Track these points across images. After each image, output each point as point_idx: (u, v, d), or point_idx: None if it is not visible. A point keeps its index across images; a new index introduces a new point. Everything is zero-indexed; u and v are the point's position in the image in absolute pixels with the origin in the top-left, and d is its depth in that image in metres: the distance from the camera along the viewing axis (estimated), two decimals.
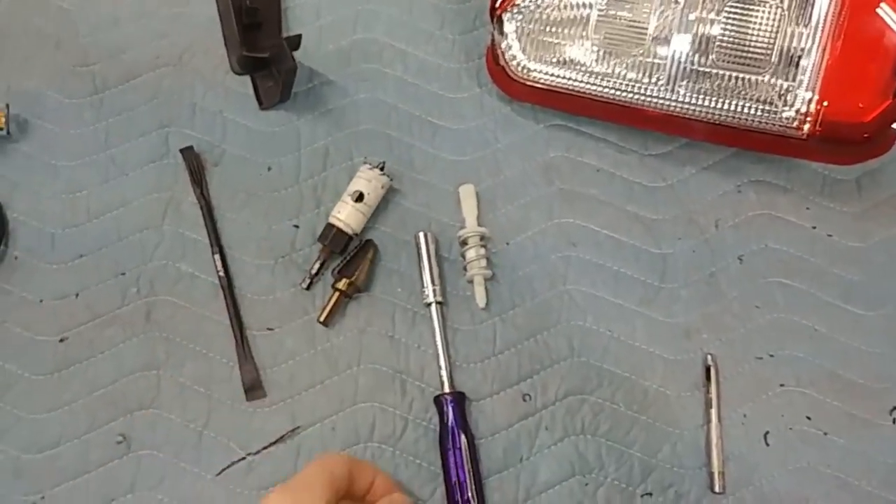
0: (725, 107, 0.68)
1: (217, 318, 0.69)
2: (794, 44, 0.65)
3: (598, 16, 0.69)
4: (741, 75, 0.67)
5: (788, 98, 0.66)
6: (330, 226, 0.70)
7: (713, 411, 0.66)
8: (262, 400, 0.67)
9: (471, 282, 0.70)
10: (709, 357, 0.68)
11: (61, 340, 0.68)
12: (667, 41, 0.68)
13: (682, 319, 0.70)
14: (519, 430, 0.67)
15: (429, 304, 0.69)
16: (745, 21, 0.66)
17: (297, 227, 0.72)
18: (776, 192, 0.73)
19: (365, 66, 0.77)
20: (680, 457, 0.66)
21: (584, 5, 0.69)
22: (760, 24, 0.66)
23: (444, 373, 0.67)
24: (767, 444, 0.66)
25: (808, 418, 0.67)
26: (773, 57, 0.66)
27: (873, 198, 0.72)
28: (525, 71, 0.72)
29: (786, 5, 0.65)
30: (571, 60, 0.71)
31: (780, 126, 0.67)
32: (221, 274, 0.70)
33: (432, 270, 0.69)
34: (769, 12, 0.65)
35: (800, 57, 0.65)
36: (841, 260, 0.71)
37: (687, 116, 0.69)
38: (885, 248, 0.71)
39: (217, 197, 0.73)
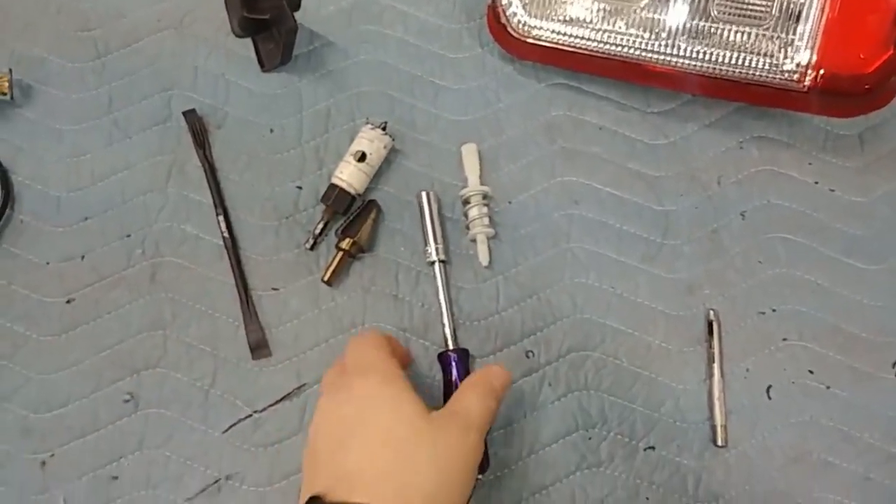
0: (726, 60, 0.67)
1: (222, 279, 0.70)
2: None
3: None
4: (742, 29, 0.67)
5: (789, 51, 0.66)
6: (333, 186, 0.70)
7: (715, 366, 0.67)
8: (268, 358, 0.68)
9: (473, 240, 0.71)
10: (711, 312, 0.68)
11: (68, 302, 0.69)
12: None
13: (684, 275, 0.70)
14: (522, 386, 0.68)
15: (432, 263, 0.69)
16: None
17: (300, 188, 0.72)
18: (778, 148, 0.73)
19: (366, 27, 0.77)
20: (682, 411, 0.66)
21: None
22: None
23: (447, 330, 0.67)
24: (770, 398, 0.67)
25: (811, 372, 0.67)
26: (774, 10, 0.66)
27: (876, 152, 0.72)
28: (526, 29, 0.72)
29: None
30: (573, 17, 0.71)
31: (782, 79, 0.67)
32: (226, 235, 0.70)
33: (435, 229, 0.70)
34: None
35: (801, 9, 0.65)
36: (843, 215, 0.71)
37: (688, 71, 0.69)
38: (888, 203, 0.71)
39: (220, 159, 0.73)
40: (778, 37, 0.66)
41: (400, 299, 0.69)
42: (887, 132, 0.73)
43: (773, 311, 0.69)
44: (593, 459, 0.65)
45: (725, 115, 0.74)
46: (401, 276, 0.70)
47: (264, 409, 0.67)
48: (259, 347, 0.68)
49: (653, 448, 0.66)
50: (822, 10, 0.65)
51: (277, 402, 0.67)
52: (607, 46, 0.70)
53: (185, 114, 0.73)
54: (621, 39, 0.70)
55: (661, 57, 0.69)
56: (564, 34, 0.71)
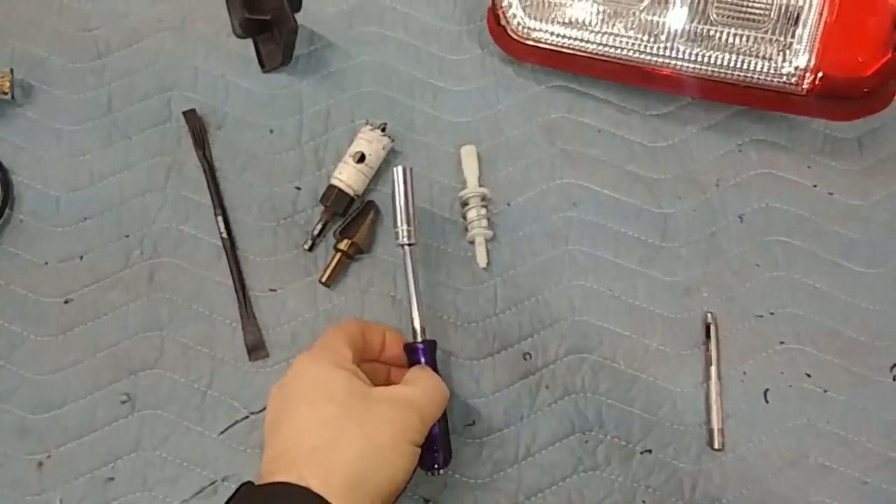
0: (725, 63, 0.67)
1: (220, 280, 0.70)
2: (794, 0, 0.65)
3: None
4: (741, 32, 0.67)
5: (788, 54, 0.66)
6: (331, 187, 0.70)
7: (713, 369, 0.67)
8: (265, 360, 0.68)
9: (472, 242, 0.71)
10: (709, 315, 0.68)
11: (66, 302, 0.69)
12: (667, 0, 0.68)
13: (682, 278, 0.70)
14: (520, 388, 0.67)
15: (401, 246, 0.63)
16: None
17: (298, 188, 0.72)
18: (777, 151, 0.73)
19: (366, 28, 0.77)
20: (680, 414, 0.66)
21: None
22: None
23: (416, 322, 0.62)
24: (767, 402, 0.67)
25: (808, 375, 0.67)
26: (773, 13, 0.66)
27: (875, 155, 0.72)
28: (526, 31, 0.72)
29: None
30: (572, 19, 0.71)
31: (780, 82, 0.67)
32: (224, 236, 0.70)
33: (408, 208, 0.63)
34: None
35: (799, 12, 0.65)
36: (842, 218, 0.71)
37: (687, 74, 0.69)
38: (886, 206, 0.71)
39: (219, 159, 0.73)
40: (777, 40, 0.66)
41: (398, 301, 0.69)
42: (886, 136, 0.72)
43: (771, 314, 0.69)
44: (590, 462, 0.65)
45: (724, 118, 0.73)
46: (398, 278, 0.70)
47: (261, 411, 0.66)
48: (256, 348, 0.68)
49: (650, 451, 0.66)
50: (821, 13, 0.65)
51: None
52: (607, 49, 0.70)
53: (184, 114, 0.73)
54: (621, 42, 0.70)
55: (661, 59, 0.69)
56: (564, 36, 0.71)
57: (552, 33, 0.71)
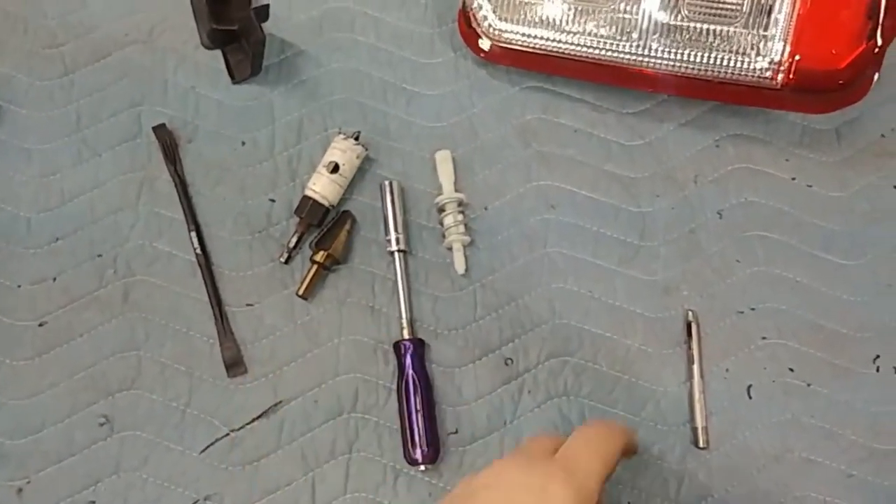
0: (698, 60, 0.67)
1: (195, 296, 0.69)
2: None
3: None
4: (713, 27, 0.66)
5: (761, 48, 0.65)
6: (306, 198, 0.70)
7: (695, 367, 0.66)
8: (244, 376, 0.67)
9: (450, 248, 0.70)
10: (690, 313, 0.68)
11: (40, 325, 0.68)
12: None
13: (661, 277, 0.69)
14: (502, 394, 0.67)
15: (392, 253, 0.69)
16: None
17: (273, 200, 0.72)
18: (755, 145, 0.72)
19: (337, 34, 0.76)
20: (663, 414, 0.66)
21: None
22: None
23: (404, 320, 0.67)
24: (751, 398, 0.66)
25: (791, 370, 0.67)
26: (745, 6, 0.65)
27: (853, 146, 0.72)
28: (497, 33, 0.71)
29: None
30: (543, 19, 0.70)
31: (755, 77, 0.66)
32: (198, 251, 0.69)
33: (396, 218, 0.69)
34: None
35: (771, 5, 0.64)
36: (821, 210, 0.70)
37: (661, 71, 0.68)
38: (866, 197, 0.70)
39: (191, 174, 0.72)
40: (750, 34, 0.66)
41: (377, 311, 0.69)
42: (864, 126, 0.72)
43: (752, 309, 0.68)
44: None
45: (701, 114, 0.73)
46: (377, 287, 0.69)
47: (241, 428, 0.66)
48: (234, 365, 0.67)
49: (634, 452, 0.65)
50: (794, 5, 0.64)
51: (254, 420, 0.66)
52: (579, 48, 0.70)
53: (154, 129, 0.72)
54: (593, 41, 0.69)
55: (633, 57, 0.69)
56: (535, 37, 0.70)
57: (523, 34, 0.71)
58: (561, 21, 0.70)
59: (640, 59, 0.69)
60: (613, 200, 0.71)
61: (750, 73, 0.66)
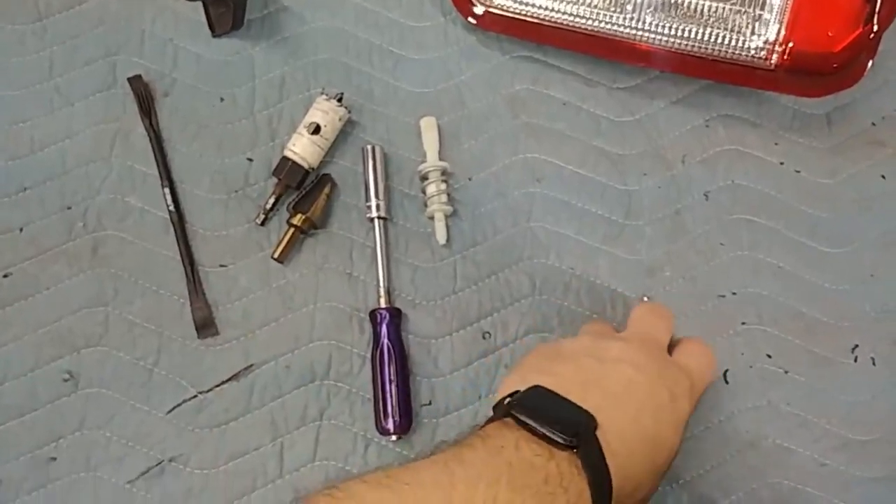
0: (693, 36, 0.65)
1: (167, 254, 0.67)
2: None
3: None
4: (709, 3, 0.65)
5: (757, 27, 0.64)
6: (285, 159, 0.68)
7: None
8: (215, 338, 0.66)
9: (431, 218, 0.68)
10: (645, 298, 0.66)
11: (5, 276, 0.66)
12: None
13: (645, 257, 0.68)
14: (478, 367, 0.66)
15: (372, 220, 0.67)
16: None
17: (251, 160, 0.70)
18: (745, 127, 0.71)
19: None
20: None
21: None
22: None
23: (381, 289, 0.66)
24: (727, 383, 0.66)
25: (769, 356, 0.66)
26: None
27: (843, 133, 0.71)
28: None
29: None
30: None
31: (748, 56, 0.65)
32: (172, 208, 0.67)
33: (378, 185, 0.67)
34: None
35: None
36: (808, 196, 0.69)
37: (654, 46, 0.67)
38: (854, 185, 0.70)
39: (167, 128, 0.70)
40: (745, 11, 0.64)
41: (354, 277, 0.67)
42: (855, 112, 0.71)
43: (734, 294, 0.67)
44: None
45: (692, 93, 0.71)
46: (355, 254, 0.68)
47: (210, 390, 0.64)
48: (205, 326, 0.65)
49: None
50: None
51: (224, 382, 0.65)
52: (572, 18, 0.68)
53: (130, 80, 0.70)
54: (586, 11, 0.68)
55: (627, 30, 0.67)
56: (528, 4, 0.69)
57: (516, 1, 0.69)
58: None
59: (634, 32, 0.67)
60: (600, 177, 0.70)
61: (744, 52, 0.65)
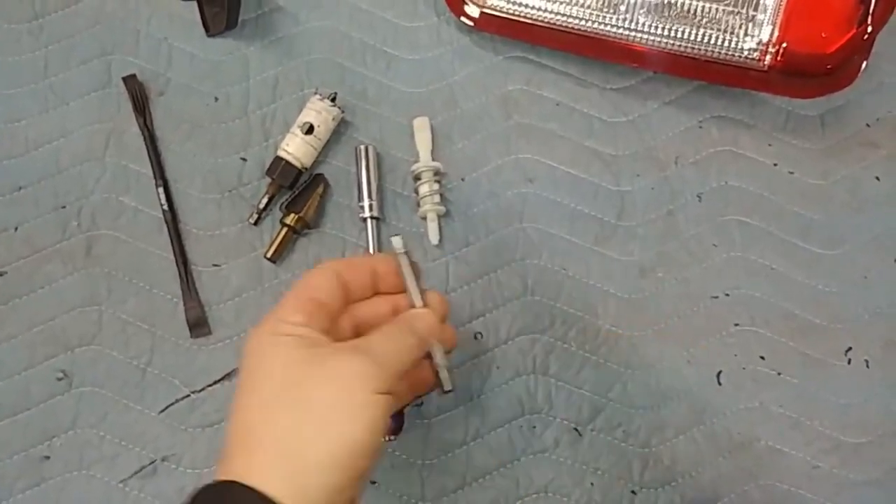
0: (686, 36, 0.65)
1: (161, 254, 0.67)
2: None
3: None
4: (702, 4, 0.65)
5: (750, 28, 0.64)
6: (278, 159, 0.68)
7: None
8: (207, 337, 0.66)
9: (424, 218, 0.69)
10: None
11: (0, 275, 0.66)
12: None
13: (637, 258, 0.68)
14: (470, 368, 0.66)
15: (365, 220, 0.68)
16: None
17: (244, 160, 0.70)
18: (738, 128, 0.71)
19: None
20: (630, 396, 0.65)
21: None
22: None
23: None
24: (720, 384, 0.66)
25: (762, 358, 0.66)
26: None
27: (837, 135, 0.70)
28: None
29: None
30: None
31: (742, 57, 0.65)
32: (165, 208, 0.68)
33: (371, 184, 0.68)
34: None
35: None
36: (801, 198, 0.69)
37: (647, 47, 0.67)
38: (847, 186, 0.69)
39: (161, 128, 0.70)
40: (739, 12, 0.64)
41: None
42: (849, 114, 0.71)
43: (727, 295, 0.67)
44: (539, 445, 0.64)
45: (686, 94, 0.71)
46: (348, 254, 0.68)
47: (203, 390, 0.65)
48: (198, 325, 0.66)
49: (599, 434, 0.64)
50: None
51: (216, 382, 0.65)
52: (565, 19, 0.68)
53: (125, 79, 0.70)
54: (580, 12, 0.68)
55: (620, 31, 0.67)
56: (522, 5, 0.69)
57: (510, 1, 0.69)
58: None
59: (627, 32, 0.67)
60: (593, 178, 0.70)
61: (737, 53, 0.65)
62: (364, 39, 0.73)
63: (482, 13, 0.70)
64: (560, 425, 0.65)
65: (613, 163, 0.70)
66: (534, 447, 0.64)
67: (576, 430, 0.65)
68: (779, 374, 0.66)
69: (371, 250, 0.67)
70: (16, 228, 0.67)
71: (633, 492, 0.64)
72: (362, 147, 0.68)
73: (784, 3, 0.63)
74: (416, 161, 0.69)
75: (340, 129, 0.70)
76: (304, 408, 0.44)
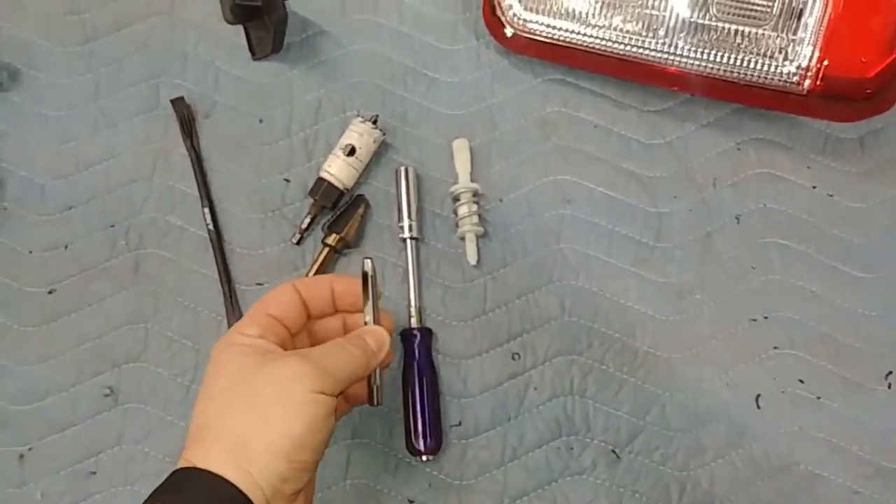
0: (725, 61, 0.66)
1: (206, 272, 0.69)
2: None
3: None
4: (742, 28, 0.65)
5: (789, 52, 0.64)
6: (321, 180, 0.69)
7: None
8: None
9: (462, 238, 0.69)
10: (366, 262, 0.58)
11: (50, 292, 0.68)
12: None
13: (675, 280, 0.68)
14: (507, 389, 0.66)
15: (404, 240, 0.69)
16: None
17: (287, 180, 0.71)
18: (777, 150, 0.71)
19: (359, 16, 0.76)
20: (668, 419, 0.65)
21: None
22: None
23: (413, 308, 0.67)
24: (759, 408, 0.66)
25: (801, 382, 0.66)
26: (775, 9, 0.64)
27: (876, 157, 0.70)
28: (521, 22, 0.70)
29: None
30: (569, 12, 0.69)
31: (781, 81, 0.65)
32: (211, 227, 0.69)
33: (410, 205, 0.69)
34: None
35: (802, 9, 0.63)
36: (841, 221, 0.69)
37: (686, 70, 0.67)
38: (887, 210, 0.69)
39: (207, 149, 0.72)
40: (778, 37, 0.64)
41: (386, 297, 0.68)
42: (889, 137, 0.71)
43: (765, 318, 0.67)
44: (576, 466, 0.64)
45: (724, 116, 0.72)
46: (387, 274, 0.69)
47: None
48: None
49: (637, 456, 0.65)
50: (825, 11, 0.63)
51: None
52: (604, 43, 0.69)
53: (172, 101, 0.72)
54: (618, 36, 0.68)
55: (659, 55, 0.68)
56: (560, 29, 0.69)
57: (547, 25, 0.70)
58: (587, 14, 0.69)
59: (666, 57, 0.68)
60: (630, 199, 0.70)
61: (777, 78, 0.65)
62: (405, 62, 0.74)
63: (521, 37, 0.71)
64: (598, 447, 0.65)
65: (651, 184, 0.71)
66: (571, 469, 0.65)
67: (613, 452, 0.65)
68: (818, 398, 0.66)
69: (410, 270, 0.68)
70: (65, 247, 0.69)
71: None
72: (402, 168, 0.69)
73: (824, 27, 0.63)
74: (455, 182, 0.70)
75: (381, 150, 0.71)
76: (250, 405, 0.49)
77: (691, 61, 0.67)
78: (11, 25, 0.75)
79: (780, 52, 0.64)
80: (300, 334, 0.57)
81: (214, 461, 0.47)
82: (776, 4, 0.64)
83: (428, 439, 0.63)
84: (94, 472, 0.65)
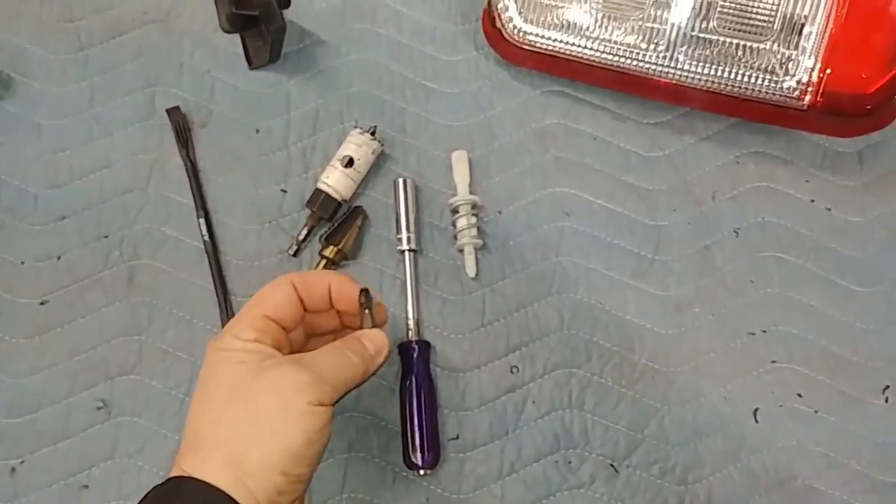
0: (725, 75, 0.66)
1: (201, 284, 0.68)
2: (798, 10, 0.63)
3: None
4: (742, 42, 0.65)
5: (790, 67, 0.64)
6: (318, 191, 0.69)
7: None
8: None
9: (461, 251, 0.69)
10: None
11: (42, 303, 0.67)
12: (667, 5, 0.66)
13: (674, 293, 0.68)
14: (506, 402, 0.66)
15: (402, 252, 0.68)
16: None
17: (284, 191, 0.70)
18: (776, 164, 0.71)
19: (358, 25, 0.75)
20: (667, 432, 0.65)
21: None
22: None
23: (411, 321, 0.67)
24: (757, 421, 0.66)
25: (799, 395, 0.66)
26: (776, 24, 0.64)
27: (875, 171, 0.71)
28: (521, 34, 0.70)
29: None
30: (569, 24, 0.69)
31: (781, 96, 0.65)
32: (206, 238, 0.68)
33: (408, 217, 0.68)
34: None
35: (803, 24, 0.63)
36: (839, 235, 0.69)
37: (686, 84, 0.67)
38: (885, 224, 0.69)
39: (203, 159, 0.71)
40: (779, 52, 0.65)
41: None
42: (887, 151, 0.71)
43: (764, 332, 0.67)
44: (574, 481, 0.64)
45: (723, 129, 0.72)
46: (385, 286, 0.68)
47: None
48: None
49: (635, 470, 0.64)
50: (826, 25, 0.63)
51: None
52: (603, 56, 0.69)
53: (168, 111, 0.71)
54: (618, 49, 0.68)
55: (659, 68, 0.68)
56: (560, 41, 0.69)
57: (547, 37, 0.69)
58: (587, 27, 0.69)
59: (666, 70, 0.68)
60: (629, 212, 0.70)
61: (777, 92, 0.65)
62: (404, 73, 0.74)
63: (520, 48, 0.70)
64: (596, 461, 0.64)
65: (650, 197, 0.71)
66: (569, 483, 0.64)
67: (612, 465, 0.64)
68: (816, 412, 0.66)
69: (408, 282, 0.67)
70: (58, 257, 0.68)
71: None
72: (401, 180, 0.69)
73: (825, 42, 0.63)
74: (454, 194, 0.70)
75: (379, 161, 0.71)
76: (247, 415, 0.48)
77: (691, 75, 0.67)
78: (5, 33, 0.74)
79: (781, 67, 0.65)
80: (297, 329, 0.56)
81: (211, 472, 0.46)
82: (777, 19, 0.64)
83: (425, 453, 0.63)
84: (87, 486, 0.64)
